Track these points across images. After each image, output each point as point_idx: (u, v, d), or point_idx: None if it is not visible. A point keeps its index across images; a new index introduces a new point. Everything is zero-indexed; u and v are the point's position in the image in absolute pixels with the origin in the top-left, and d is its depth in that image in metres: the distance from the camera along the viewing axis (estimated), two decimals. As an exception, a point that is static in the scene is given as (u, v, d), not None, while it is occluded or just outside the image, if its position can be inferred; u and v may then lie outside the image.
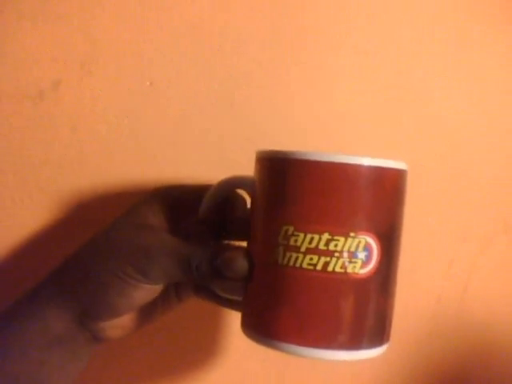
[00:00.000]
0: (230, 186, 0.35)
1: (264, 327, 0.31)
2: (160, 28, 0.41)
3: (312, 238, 0.29)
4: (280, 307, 0.30)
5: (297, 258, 0.29)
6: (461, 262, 0.51)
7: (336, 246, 0.29)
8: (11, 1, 0.38)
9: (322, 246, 0.29)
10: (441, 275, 0.51)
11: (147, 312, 0.34)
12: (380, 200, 0.31)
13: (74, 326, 0.31)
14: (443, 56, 0.49)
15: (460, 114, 0.50)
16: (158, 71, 0.41)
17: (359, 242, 0.29)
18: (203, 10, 0.42)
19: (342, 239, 0.29)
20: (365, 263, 0.29)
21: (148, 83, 0.41)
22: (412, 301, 0.50)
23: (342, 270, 0.29)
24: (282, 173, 0.31)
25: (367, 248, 0.29)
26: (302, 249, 0.29)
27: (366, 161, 0.30)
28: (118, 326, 0.33)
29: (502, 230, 0.52)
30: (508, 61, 0.51)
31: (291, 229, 0.29)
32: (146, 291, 0.31)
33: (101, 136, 0.41)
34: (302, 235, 0.29)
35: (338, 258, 0.29)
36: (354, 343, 0.30)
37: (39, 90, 0.39)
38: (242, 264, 0.31)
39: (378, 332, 0.31)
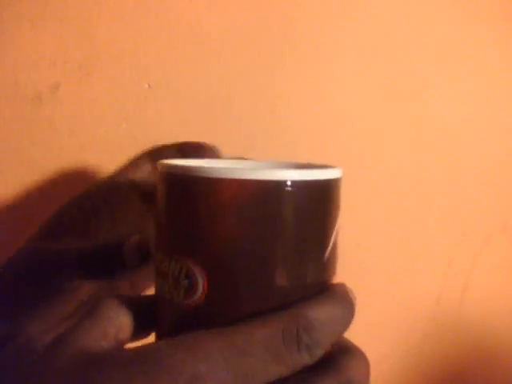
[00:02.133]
0: None
1: None
2: (158, 30, 0.41)
3: (156, 256, 0.26)
4: None
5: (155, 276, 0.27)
6: (460, 261, 0.51)
7: (165, 267, 0.25)
8: (10, 3, 0.38)
9: (158, 266, 0.26)
10: (440, 275, 0.51)
11: None
12: (207, 219, 0.24)
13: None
14: (442, 56, 0.49)
15: (458, 113, 0.50)
16: (156, 73, 0.41)
17: (181, 266, 0.24)
18: (201, 12, 0.42)
19: (167, 260, 0.25)
20: (188, 292, 0.24)
21: (146, 85, 0.41)
22: (411, 301, 0.50)
23: (169, 296, 0.25)
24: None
25: (189, 275, 0.24)
26: (155, 266, 0.27)
27: (182, 168, 0.25)
28: None
29: (501, 229, 0.52)
30: (508, 61, 0.51)
31: (153, 244, 0.28)
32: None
33: (99, 139, 0.41)
34: (154, 252, 0.27)
35: (166, 281, 0.25)
36: None
37: (38, 92, 0.39)
38: (131, 254, 0.29)
39: None
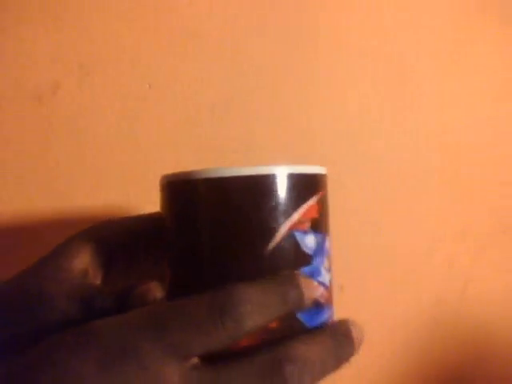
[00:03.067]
0: None
1: None
2: (159, 30, 0.41)
3: None
4: None
5: None
6: (460, 261, 0.51)
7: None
8: (11, 3, 0.38)
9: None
10: (440, 275, 0.51)
11: None
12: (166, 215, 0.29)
13: None
14: (442, 56, 0.49)
15: (459, 113, 0.50)
16: (157, 74, 0.41)
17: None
18: (202, 12, 0.42)
19: None
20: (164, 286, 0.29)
21: (147, 86, 0.41)
22: (412, 301, 0.50)
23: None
24: None
25: (164, 270, 0.29)
26: None
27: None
28: None
29: (501, 230, 0.52)
30: (508, 61, 0.51)
31: None
32: None
33: (100, 139, 0.41)
34: None
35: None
36: None
37: (38, 92, 0.39)
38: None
39: None
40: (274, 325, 0.25)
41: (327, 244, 0.29)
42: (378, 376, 0.51)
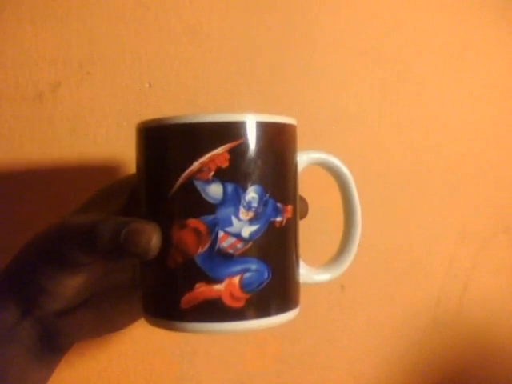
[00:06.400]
0: None
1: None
2: (159, 30, 0.41)
3: None
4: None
5: None
6: (460, 261, 0.51)
7: None
8: (11, 3, 0.38)
9: None
10: (440, 275, 0.51)
11: (110, 313, 0.32)
12: None
13: (25, 320, 0.29)
14: (441, 56, 0.49)
15: (459, 113, 0.50)
16: (157, 73, 0.41)
17: None
18: (201, 12, 0.42)
19: None
20: None
21: (147, 85, 0.41)
22: (412, 301, 0.50)
23: None
24: None
25: None
26: None
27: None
28: (73, 324, 0.30)
29: (502, 230, 0.52)
30: (508, 60, 0.51)
31: None
32: (71, 273, 0.29)
33: (100, 138, 0.41)
34: None
35: None
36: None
37: (38, 91, 0.39)
38: (150, 240, 0.27)
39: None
40: (172, 265, 0.28)
41: (251, 195, 0.28)
42: (378, 376, 0.51)
